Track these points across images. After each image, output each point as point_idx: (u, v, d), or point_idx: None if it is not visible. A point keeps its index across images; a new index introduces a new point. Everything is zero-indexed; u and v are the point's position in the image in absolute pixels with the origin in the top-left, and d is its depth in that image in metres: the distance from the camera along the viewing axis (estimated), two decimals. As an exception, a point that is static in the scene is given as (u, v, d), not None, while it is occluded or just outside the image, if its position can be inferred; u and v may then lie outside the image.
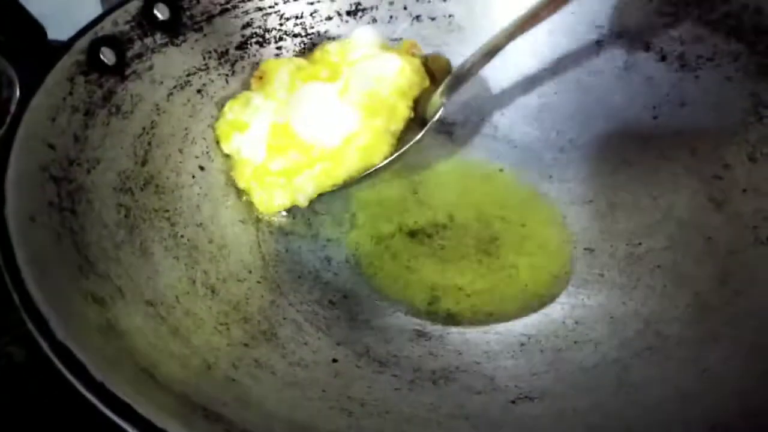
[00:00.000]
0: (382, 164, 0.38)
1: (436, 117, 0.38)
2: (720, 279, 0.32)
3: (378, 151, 0.37)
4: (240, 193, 0.38)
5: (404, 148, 0.38)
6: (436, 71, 0.40)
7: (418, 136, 0.38)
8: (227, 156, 0.38)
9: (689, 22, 0.39)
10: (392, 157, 0.38)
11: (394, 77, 0.38)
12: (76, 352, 0.22)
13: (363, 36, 0.41)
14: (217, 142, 0.38)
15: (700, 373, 0.28)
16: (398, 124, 0.38)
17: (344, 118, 0.37)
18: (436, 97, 0.38)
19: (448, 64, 0.41)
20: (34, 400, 0.32)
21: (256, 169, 0.37)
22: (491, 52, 0.36)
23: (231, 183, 0.38)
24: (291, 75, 0.39)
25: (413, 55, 0.40)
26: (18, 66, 0.39)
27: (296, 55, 0.42)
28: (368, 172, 0.38)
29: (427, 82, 0.40)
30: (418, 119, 0.39)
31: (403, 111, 0.38)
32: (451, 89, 0.38)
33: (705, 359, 0.29)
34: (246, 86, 0.40)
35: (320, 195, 0.38)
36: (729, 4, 0.38)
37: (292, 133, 0.37)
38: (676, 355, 0.30)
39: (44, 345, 0.22)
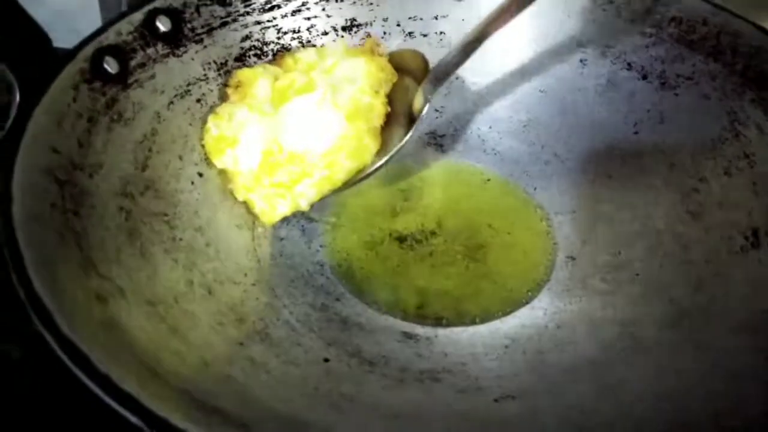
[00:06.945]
0: (379, 164, 0.38)
1: (424, 112, 0.39)
2: (695, 286, 0.34)
3: (366, 151, 0.38)
4: (237, 200, 0.38)
5: (397, 148, 0.38)
6: (406, 65, 0.41)
7: (408, 135, 0.39)
8: (222, 170, 0.38)
9: (670, 43, 0.41)
10: (387, 157, 0.38)
11: (365, 79, 0.39)
12: (80, 345, 0.23)
13: (331, 43, 0.42)
14: (207, 158, 0.38)
15: (673, 375, 0.29)
16: (378, 121, 0.39)
17: (330, 126, 0.38)
18: (421, 94, 0.39)
19: (422, 58, 0.42)
20: (29, 395, 0.33)
21: (254, 181, 0.38)
22: (469, 48, 0.37)
23: (228, 190, 0.38)
24: (272, 86, 0.39)
25: (379, 54, 0.41)
26: (18, 71, 0.40)
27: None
28: (365, 173, 0.38)
29: (394, 77, 0.41)
30: (395, 114, 0.39)
31: (380, 108, 0.39)
32: (434, 84, 0.39)
33: (678, 362, 0.30)
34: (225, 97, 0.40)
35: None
36: (708, 26, 0.40)
37: (285, 149, 0.37)
38: (651, 357, 0.31)
39: (50, 339, 0.23)
